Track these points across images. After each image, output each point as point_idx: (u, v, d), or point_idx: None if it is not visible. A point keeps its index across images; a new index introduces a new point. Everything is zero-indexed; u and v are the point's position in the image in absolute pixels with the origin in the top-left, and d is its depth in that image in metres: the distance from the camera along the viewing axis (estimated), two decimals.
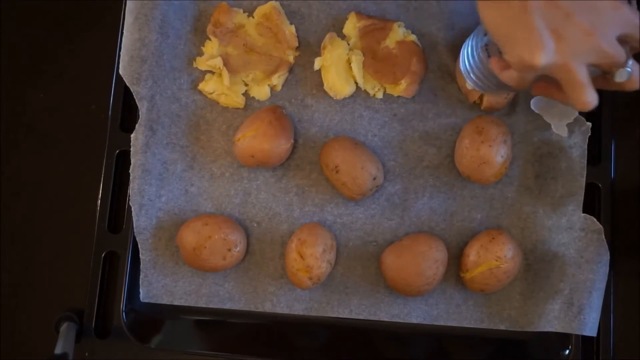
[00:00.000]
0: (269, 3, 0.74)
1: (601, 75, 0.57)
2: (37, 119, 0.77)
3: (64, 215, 0.75)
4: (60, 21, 0.78)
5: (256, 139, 0.70)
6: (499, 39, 0.57)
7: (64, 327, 0.70)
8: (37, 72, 0.78)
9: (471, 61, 0.66)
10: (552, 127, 0.71)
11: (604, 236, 0.69)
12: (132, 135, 0.72)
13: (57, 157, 0.76)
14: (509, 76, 0.59)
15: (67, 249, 0.75)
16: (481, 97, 0.73)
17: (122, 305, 0.72)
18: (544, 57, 0.53)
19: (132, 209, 0.72)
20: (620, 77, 0.55)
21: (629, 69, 0.55)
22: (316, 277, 0.69)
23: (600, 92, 0.71)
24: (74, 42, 0.78)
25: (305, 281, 0.69)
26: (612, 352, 0.71)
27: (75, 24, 0.78)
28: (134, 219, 0.72)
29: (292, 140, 0.72)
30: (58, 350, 0.67)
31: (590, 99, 0.55)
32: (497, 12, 0.55)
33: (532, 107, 0.71)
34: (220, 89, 0.74)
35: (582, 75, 0.54)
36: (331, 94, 0.74)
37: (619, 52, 0.54)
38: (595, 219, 0.69)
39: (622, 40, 0.55)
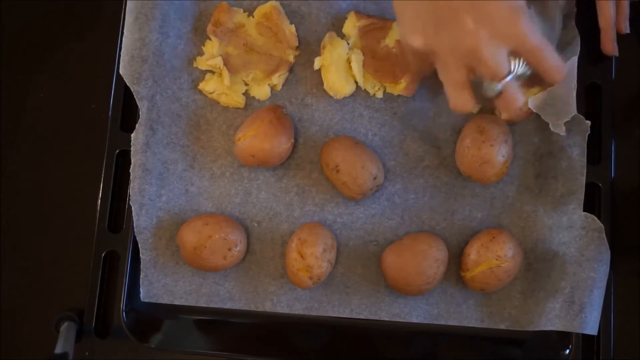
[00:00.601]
0: (269, 3, 0.74)
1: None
2: (37, 118, 0.77)
3: (64, 214, 0.75)
4: (60, 21, 0.78)
5: (256, 139, 0.70)
6: (395, 10, 0.57)
7: (64, 326, 0.70)
8: (37, 72, 0.78)
9: None
10: (550, 125, 0.71)
11: (604, 234, 0.69)
12: (132, 135, 0.72)
13: (57, 157, 0.76)
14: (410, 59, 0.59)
15: (67, 249, 0.75)
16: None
17: (122, 305, 0.72)
18: (420, 40, 0.52)
19: (133, 209, 0.72)
20: (487, 90, 0.53)
21: (498, 86, 0.52)
22: (316, 276, 0.69)
23: (600, 92, 0.73)
24: (74, 42, 0.78)
25: (306, 281, 0.69)
26: (612, 352, 0.70)
27: (75, 24, 0.78)
28: (134, 219, 0.72)
29: (293, 140, 0.72)
30: (58, 349, 0.67)
31: (462, 104, 0.54)
32: None
33: (530, 105, 0.71)
34: (220, 88, 0.74)
35: (458, 74, 0.53)
36: (331, 94, 0.74)
37: (498, 65, 0.51)
38: (595, 218, 0.69)
39: (515, 56, 0.53)
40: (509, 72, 0.52)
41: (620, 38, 0.72)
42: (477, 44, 0.50)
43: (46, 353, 0.68)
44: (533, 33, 0.51)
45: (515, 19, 0.50)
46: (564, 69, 0.53)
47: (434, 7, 0.51)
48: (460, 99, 0.53)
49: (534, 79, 0.55)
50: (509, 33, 0.50)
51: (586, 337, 0.70)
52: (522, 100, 0.53)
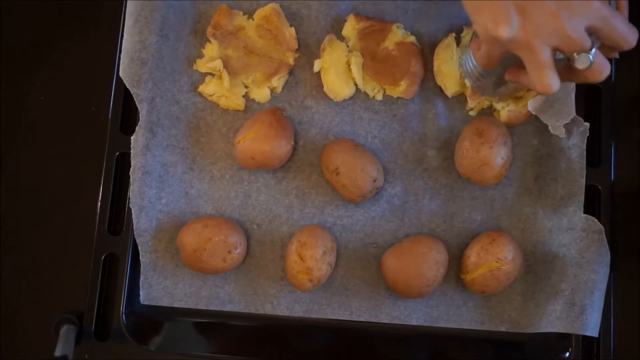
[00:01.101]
0: (269, 5, 0.74)
1: (567, 65, 0.58)
2: (37, 120, 0.77)
3: (64, 217, 0.75)
4: (60, 23, 0.78)
5: (256, 141, 0.70)
6: (468, 8, 0.58)
7: (63, 329, 0.70)
8: (37, 74, 0.78)
9: (469, 62, 0.67)
10: (550, 127, 0.71)
11: (604, 236, 0.69)
12: (132, 138, 0.72)
13: (57, 159, 0.76)
14: (480, 55, 0.61)
15: (67, 251, 0.74)
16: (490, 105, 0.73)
17: (122, 308, 0.72)
18: (507, 30, 0.55)
19: (132, 211, 0.72)
20: (580, 63, 0.56)
21: (590, 57, 0.55)
22: (316, 279, 0.69)
23: (600, 94, 0.73)
24: (74, 44, 0.78)
25: (306, 283, 0.69)
26: (612, 353, 0.71)
27: (76, 26, 0.78)
28: (134, 221, 0.72)
29: (292, 142, 0.72)
30: (58, 352, 0.67)
31: (552, 83, 0.56)
32: None
33: (529, 108, 0.71)
34: (220, 91, 0.74)
35: (545, 56, 0.55)
36: (331, 96, 0.74)
37: (583, 39, 0.55)
38: (595, 219, 0.69)
39: (591, 32, 0.56)
40: (592, 44, 0.55)
41: None
42: (561, 22, 0.53)
43: (46, 355, 0.68)
44: (604, 5, 0.54)
45: None
46: (635, 34, 0.56)
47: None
48: (552, 78, 0.56)
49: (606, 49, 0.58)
50: (586, 8, 0.53)
51: (586, 339, 0.70)
52: (609, 67, 0.57)
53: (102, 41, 0.76)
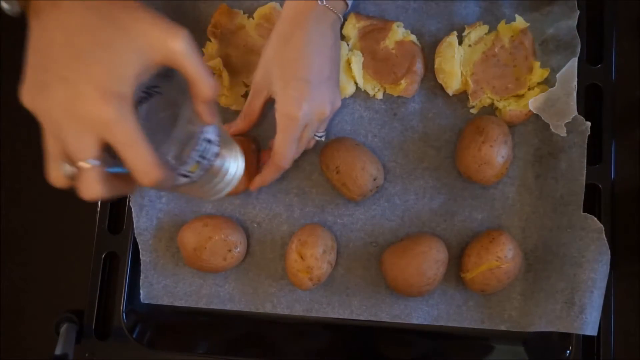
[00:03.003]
0: (269, 4, 0.74)
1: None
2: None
3: (64, 216, 0.75)
4: None
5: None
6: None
7: (64, 328, 0.70)
8: None
9: None
10: (551, 126, 0.71)
11: (604, 235, 0.69)
12: None
13: None
14: None
15: (68, 250, 0.75)
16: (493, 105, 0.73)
17: (122, 306, 0.72)
18: (23, 98, 0.49)
19: (133, 210, 0.72)
20: (63, 167, 0.48)
21: (69, 168, 0.47)
22: (316, 277, 0.69)
23: (600, 93, 0.73)
24: None
25: (306, 282, 0.69)
26: (613, 352, 0.70)
27: None
28: (135, 220, 0.72)
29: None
30: (58, 351, 0.67)
31: (49, 174, 0.49)
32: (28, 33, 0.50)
33: (530, 107, 0.71)
34: (220, 89, 0.74)
35: (49, 143, 0.48)
36: None
37: (77, 145, 0.46)
38: (595, 218, 0.69)
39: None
40: (93, 158, 0.46)
41: (621, 38, 0.72)
42: (62, 117, 0.46)
43: (46, 354, 0.68)
44: (123, 123, 0.45)
45: (103, 103, 0.45)
46: (153, 173, 0.47)
47: (44, 68, 0.47)
48: (48, 169, 0.48)
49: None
50: (94, 118, 0.45)
51: (586, 338, 0.70)
52: (99, 192, 0.47)
53: None
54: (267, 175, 0.69)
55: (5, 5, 0.48)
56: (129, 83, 0.47)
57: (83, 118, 0.45)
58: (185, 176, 0.53)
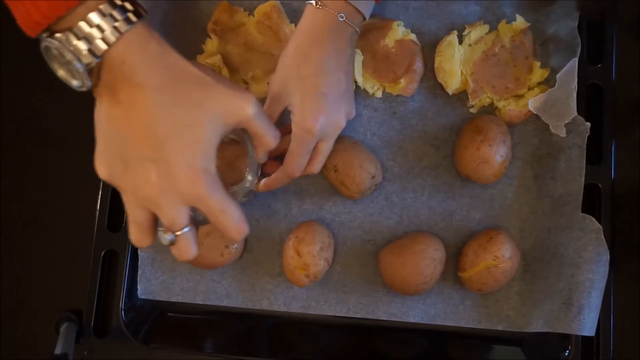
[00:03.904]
0: (269, 2, 0.75)
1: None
2: (37, 118, 0.77)
3: (63, 214, 0.75)
4: None
5: None
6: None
7: (63, 327, 0.70)
8: (37, 72, 0.77)
9: None
10: (550, 127, 0.71)
11: (602, 235, 0.68)
12: None
13: (56, 156, 0.77)
14: None
15: (67, 248, 0.75)
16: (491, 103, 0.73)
17: (121, 304, 0.72)
18: (105, 173, 0.52)
19: None
20: (159, 238, 0.52)
21: (169, 237, 0.51)
22: (313, 275, 0.69)
23: (601, 93, 0.72)
24: None
25: (302, 279, 0.69)
26: (612, 353, 0.70)
27: None
28: None
29: None
30: (58, 350, 0.67)
31: (138, 239, 0.53)
32: (96, 110, 0.53)
33: (530, 107, 0.71)
34: None
35: (138, 214, 0.52)
36: None
37: (176, 217, 0.51)
38: (593, 219, 0.69)
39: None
40: (186, 226, 0.52)
41: (621, 38, 0.72)
42: (156, 194, 0.50)
43: (46, 354, 0.68)
44: (214, 196, 0.51)
45: (195, 180, 0.50)
46: (243, 230, 0.53)
47: (125, 144, 0.51)
48: (136, 235, 0.53)
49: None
50: (189, 193, 0.50)
51: (586, 338, 0.70)
52: (195, 252, 0.53)
53: None
54: (276, 181, 0.69)
55: (75, 83, 0.50)
56: (213, 155, 0.52)
57: (178, 194, 0.50)
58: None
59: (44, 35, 0.49)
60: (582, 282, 0.69)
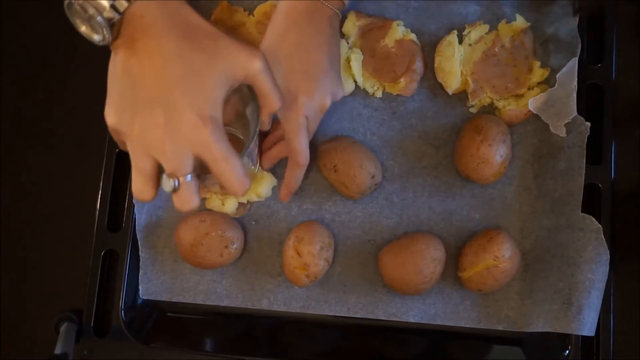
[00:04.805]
0: (269, 2, 0.75)
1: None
2: (37, 118, 0.77)
3: (63, 214, 0.76)
4: (60, 21, 0.78)
5: None
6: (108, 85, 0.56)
7: (63, 327, 0.70)
8: (37, 72, 0.78)
9: None
10: (550, 127, 0.71)
11: (602, 235, 0.68)
12: None
13: (57, 156, 0.77)
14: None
15: (67, 248, 0.75)
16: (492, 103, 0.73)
17: (121, 304, 0.72)
18: (113, 120, 0.52)
19: (135, 207, 0.72)
20: (163, 184, 0.52)
21: (174, 182, 0.51)
22: (313, 274, 0.69)
23: (601, 93, 0.72)
24: (73, 42, 0.78)
25: (303, 279, 0.69)
26: (612, 352, 0.70)
27: None
28: (137, 217, 0.72)
29: None
30: (58, 350, 0.67)
31: (140, 191, 0.53)
32: (112, 64, 0.54)
33: (530, 107, 0.71)
34: None
35: (143, 163, 0.52)
36: None
37: (180, 163, 0.51)
38: (593, 219, 0.69)
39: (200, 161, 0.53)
40: (189, 173, 0.52)
41: (621, 38, 0.72)
42: (162, 138, 0.51)
43: (46, 353, 0.68)
44: (219, 145, 0.51)
45: (201, 126, 0.51)
46: (245, 183, 0.53)
47: (136, 91, 0.51)
48: (139, 186, 0.53)
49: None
50: (193, 139, 0.51)
51: (585, 338, 0.70)
52: (197, 203, 0.53)
53: None
54: (292, 178, 0.69)
55: (96, 37, 0.51)
56: (221, 105, 0.53)
57: (184, 139, 0.51)
58: None
59: None
60: (582, 282, 0.69)
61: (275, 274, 0.73)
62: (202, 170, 0.54)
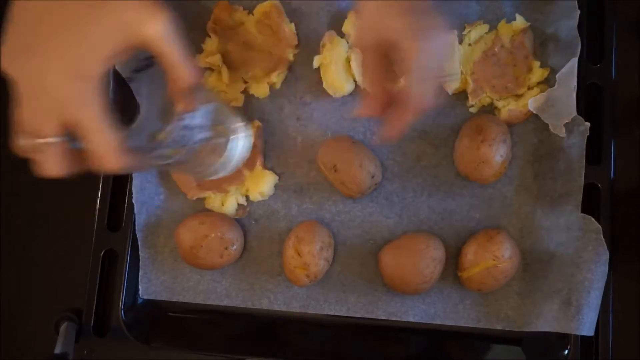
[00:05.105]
0: (269, 1, 0.74)
1: None
2: None
3: (63, 213, 0.75)
4: None
5: None
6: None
7: (63, 326, 0.70)
8: None
9: None
10: (550, 127, 0.71)
11: (602, 235, 0.69)
12: None
13: None
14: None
15: (67, 248, 0.75)
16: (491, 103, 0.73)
17: (121, 304, 0.72)
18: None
19: (135, 207, 0.72)
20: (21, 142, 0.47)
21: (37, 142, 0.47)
22: (313, 274, 0.69)
23: (601, 93, 0.72)
24: None
25: (303, 278, 0.69)
26: (611, 352, 0.70)
27: None
28: (137, 217, 0.72)
29: None
30: (58, 350, 0.67)
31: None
32: None
33: (530, 107, 0.71)
34: (219, 86, 0.74)
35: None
36: (330, 92, 0.74)
37: (44, 121, 0.46)
38: (593, 219, 0.69)
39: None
40: (55, 136, 0.46)
41: (621, 38, 0.72)
42: (27, 90, 0.46)
43: (46, 353, 0.68)
44: (86, 106, 0.46)
45: (69, 81, 0.45)
46: (114, 163, 0.47)
47: (19, 31, 0.46)
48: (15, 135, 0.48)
49: None
50: (58, 95, 0.45)
51: (585, 338, 0.70)
52: (56, 169, 0.48)
53: None
54: (403, 123, 0.58)
55: None
56: (99, 64, 0.45)
57: (48, 94, 0.45)
58: (163, 158, 0.52)
59: None
60: (582, 282, 0.69)
61: (275, 274, 0.73)
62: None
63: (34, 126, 0.46)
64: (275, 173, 0.74)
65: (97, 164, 0.47)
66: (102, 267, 0.73)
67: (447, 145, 0.74)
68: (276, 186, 0.74)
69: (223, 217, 0.72)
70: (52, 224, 0.76)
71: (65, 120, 0.46)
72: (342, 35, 0.75)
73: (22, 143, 0.47)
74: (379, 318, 0.72)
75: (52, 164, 0.47)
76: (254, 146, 0.71)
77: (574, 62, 0.70)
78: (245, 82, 0.75)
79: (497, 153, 0.69)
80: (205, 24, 0.75)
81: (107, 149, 0.46)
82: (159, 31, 0.46)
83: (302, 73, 0.75)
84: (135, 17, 0.45)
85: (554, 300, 0.70)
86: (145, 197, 0.73)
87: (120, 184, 0.74)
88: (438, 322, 0.72)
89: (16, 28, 0.46)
